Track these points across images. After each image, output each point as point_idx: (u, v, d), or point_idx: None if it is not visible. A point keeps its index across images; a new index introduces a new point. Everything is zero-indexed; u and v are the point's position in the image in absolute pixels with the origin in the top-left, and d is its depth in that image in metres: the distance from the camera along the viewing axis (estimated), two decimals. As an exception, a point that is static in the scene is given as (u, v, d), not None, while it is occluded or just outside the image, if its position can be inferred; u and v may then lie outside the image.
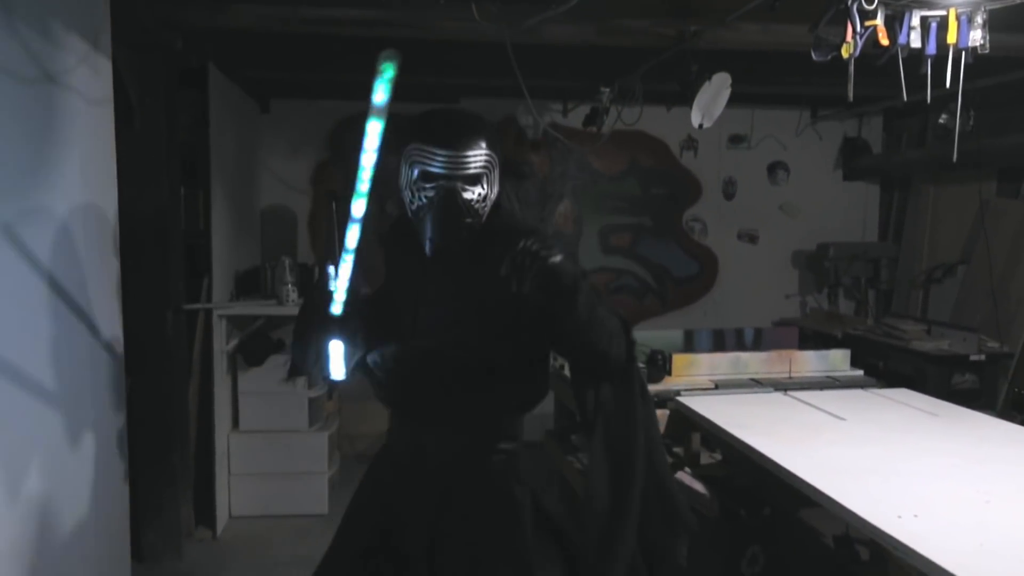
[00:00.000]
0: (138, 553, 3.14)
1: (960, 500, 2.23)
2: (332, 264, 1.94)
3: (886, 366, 4.89)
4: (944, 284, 5.74)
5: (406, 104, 5.77)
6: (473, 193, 1.97)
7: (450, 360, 2.00)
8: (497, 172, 2.03)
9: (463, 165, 1.94)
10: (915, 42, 2.41)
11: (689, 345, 4.26)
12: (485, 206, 2.01)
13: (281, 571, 3.91)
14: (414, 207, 1.98)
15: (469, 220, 1.98)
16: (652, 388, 3.60)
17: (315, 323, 1.98)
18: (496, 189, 2.04)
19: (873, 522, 2.07)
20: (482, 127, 2.02)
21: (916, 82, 2.52)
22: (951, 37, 2.38)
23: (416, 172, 1.95)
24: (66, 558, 2.52)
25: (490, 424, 2.13)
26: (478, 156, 1.96)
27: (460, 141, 1.95)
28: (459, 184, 1.94)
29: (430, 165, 1.93)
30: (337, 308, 1.94)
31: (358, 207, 1.77)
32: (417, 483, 2.06)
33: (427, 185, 1.95)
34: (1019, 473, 2.47)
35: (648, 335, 4.26)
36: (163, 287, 3.73)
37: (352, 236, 1.80)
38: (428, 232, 1.98)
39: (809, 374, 3.92)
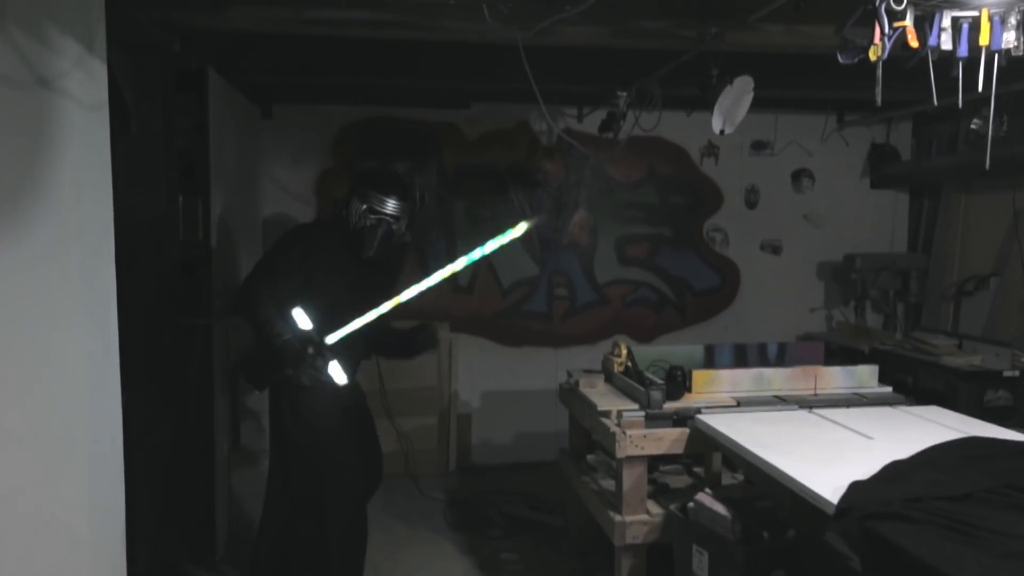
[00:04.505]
0: (134, 573, 3.09)
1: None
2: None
3: (915, 382, 4.85)
4: (976, 297, 5.71)
5: (416, 109, 5.72)
6: (396, 225, 3.56)
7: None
8: (407, 216, 3.61)
9: (397, 209, 3.53)
10: (946, 44, 2.35)
11: (710, 361, 4.22)
12: (400, 235, 3.63)
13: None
14: (358, 226, 3.52)
15: (393, 241, 3.60)
16: (671, 406, 3.62)
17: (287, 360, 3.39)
18: (405, 225, 3.63)
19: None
20: (407, 189, 3.66)
21: (947, 86, 2.45)
22: (983, 39, 2.32)
23: (365, 207, 3.50)
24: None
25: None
26: (402, 205, 3.55)
27: (397, 195, 3.54)
28: (391, 218, 3.53)
29: (378, 206, 3.50)
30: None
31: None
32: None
33: (371, 216, 3.50)
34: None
35: (667, 350, 4.26)
36: (161, 299, 3.68)
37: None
38: (367, 245, 3.52)
39: (835, 391, 3.92)
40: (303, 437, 3.55)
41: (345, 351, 3.47)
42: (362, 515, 3.64)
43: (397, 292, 3.44)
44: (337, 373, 3.37)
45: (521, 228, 3.29)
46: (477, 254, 3.30)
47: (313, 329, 3.34)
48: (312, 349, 3.32)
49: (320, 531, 3.53)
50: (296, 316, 3.34)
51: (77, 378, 2.60)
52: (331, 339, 3.33)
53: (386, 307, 3.37)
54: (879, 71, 2.41)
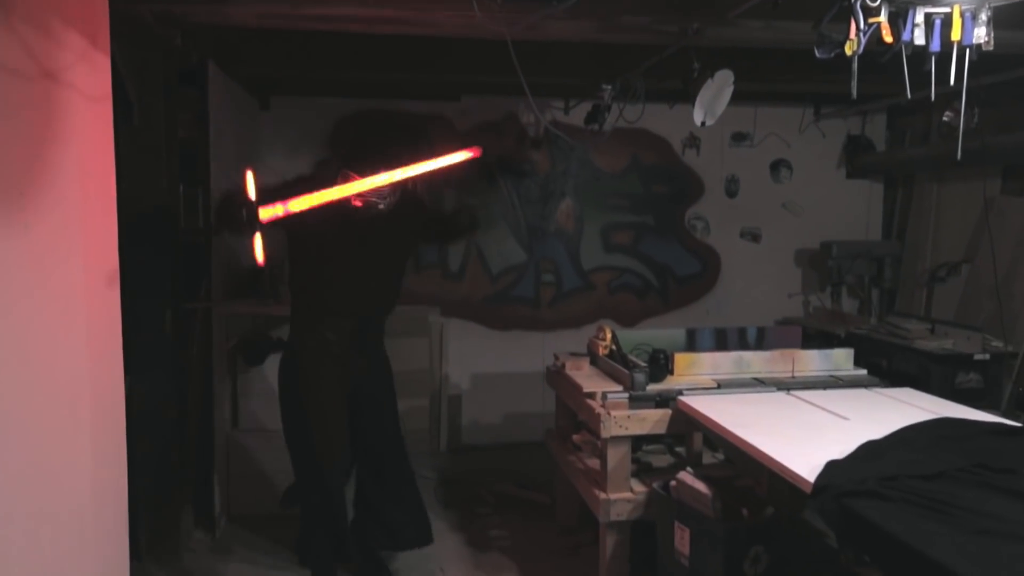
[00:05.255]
0: (136, 553, 3.13)
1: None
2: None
3: (890, 365, 4.88)
4: (948, 283, 5.74)
5: (409, 102, 5.76)
6: (381, 204, 3.41)
7: (375, 274, 3.55)
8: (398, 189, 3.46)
9: (380, 193, 3.37)
10: (919, 39, 2.37)
11: (691, 344, 4.25)
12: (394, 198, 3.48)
13: (280, 572, 3.91)
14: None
15: (381, 206, 3.43)
16: (654, 388, 3.64)
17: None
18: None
19: (877, 522, 2.07)
20: (393, 161, 3.28)
21: (920, 79, 2.49)
22: (955, 34, 2.35)
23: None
24: (64, 558, 2.49)
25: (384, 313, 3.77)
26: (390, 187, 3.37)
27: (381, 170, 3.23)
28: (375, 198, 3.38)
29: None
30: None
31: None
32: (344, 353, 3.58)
33: (354, 197, 3.26)
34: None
35: (650, 334, 4.29)
36: (162, 285, 3.71)
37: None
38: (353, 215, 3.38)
39: (812, 373, 3.93)
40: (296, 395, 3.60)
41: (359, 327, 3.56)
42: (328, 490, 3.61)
43: (410, 248, 3.62)
44: (258, 248, 2.92)
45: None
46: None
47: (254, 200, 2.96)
48: (245, 212, 2.96)
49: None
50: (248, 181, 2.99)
51: (81, 362, 2.60)
52: (264, 214, 2.92)
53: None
54: (855, 65, 2.45)
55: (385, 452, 3.84)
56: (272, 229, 3.09)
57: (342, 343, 3.56)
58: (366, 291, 3.59)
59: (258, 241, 2.96)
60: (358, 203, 3.36)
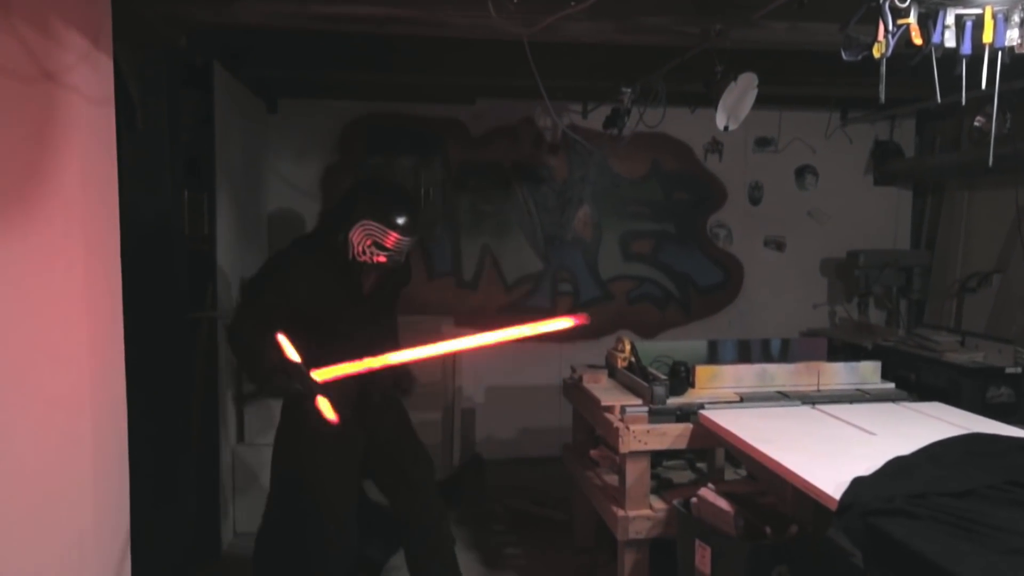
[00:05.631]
0: (139, 570, 3.09)
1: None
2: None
3: (918, 379, 4.83)
4: (979, 294, 5.70)
5: (423, 105, 5.64)
6: (402, 259, 3.16)
7: (374, 335, 3.22)
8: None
9: (408, 248, 3.13)
10: (949, 41, 2.36)
11: (713, 356, 4.24)
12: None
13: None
14: (363, 258, 3.06)
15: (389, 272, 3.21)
16: (674, 401, 3.63)
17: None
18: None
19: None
20: (419, 216, 3.20)
21: (950, 83, 2.46)
22: (987, 36, 2.33)
23: (371, 241, 3.03)
24: (65, 572, 2.47)
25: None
26: (413, 240, 3.13)
27: (413, 234, 3.11)
28: (399, 255, 3.12)
29: (391, 244, 3.04)
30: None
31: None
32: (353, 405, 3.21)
33: (380, 251, 3.05)
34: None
35: (670, 345, 4.30)
36: (166, 294, 3.69)
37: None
38: (367, 282, 3.20)
39: (838, 387, 3.92)
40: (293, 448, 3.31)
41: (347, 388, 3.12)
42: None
43: (397, 305, 3.38)
44: (326, 409, 2.94)
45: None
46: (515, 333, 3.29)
47: (301, 362, 2.97)
48: (300, 385, 2.97)
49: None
50: (283, 344, 2.97)
51: (82, 372, 2.59)
52: (319, 376, 2.96)
53: (398, 356, 3.05)
54: (883, 68, 2.43)
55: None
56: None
57: (345, 411, 3.16)
58: (370, 347, 3.16)
59: (324, 403, 2.94)
60: (381, 259, 3.08)
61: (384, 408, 3.39)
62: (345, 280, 3.14)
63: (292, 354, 2.94)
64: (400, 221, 3.04)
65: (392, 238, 3.03)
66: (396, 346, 3.30)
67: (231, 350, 3.38)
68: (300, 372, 2.94)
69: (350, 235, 3.03)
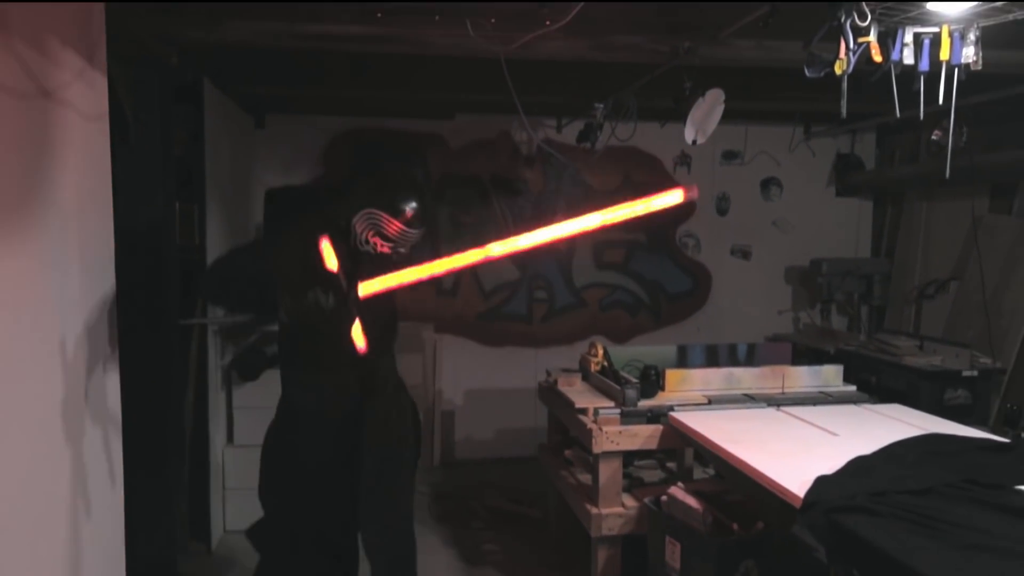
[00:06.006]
0: (133, 567, 3.11)
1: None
2: None
3: (879, 382, 4.89)
4: (937, 300, 5.75)
5: (405, 120, 5.67)
6: (406, 249, 2.79)
7: (374, 320, 2.68)
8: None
9: (414, 238, 2.78)
10: (908, 59, 2.42)
11: (682, 360, 4.27)
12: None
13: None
14: (362, 247, 2.74)
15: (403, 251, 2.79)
16: (645, 404, 3.65)
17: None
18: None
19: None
20: (428, 209, 2.83)
21: (909, 99, 2.52)
22: (944, 54, 2.40)
23: (374, 231, 2.72)
24: (60, 571, 2.49)
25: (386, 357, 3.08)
26: (420, 233, 2.78)
27: (421, 225, 2.77)
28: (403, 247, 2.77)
29: (399, 235, 2.73)
30: None
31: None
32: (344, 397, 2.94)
33: (385, 242, 2.73)
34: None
35: (641, 350, 4.29)
36: (158, 302, 3.70)
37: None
38: (367, 271, 2.59)
39: (802, 389, 3.95)
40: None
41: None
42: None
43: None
44: (358, 336, 2.53)
45: None
46: None
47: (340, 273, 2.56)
48: (338, 299, 2.60)
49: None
50: (326, 251, 2.49)
51: (78, 378, 2.60)
52: (364, 290, 2.52)
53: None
54: (844, 84, 2.48)
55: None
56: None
57: (341, 402, 2.98)
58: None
59: (358, 328, 2.55)
60: (385, 249, 2.77)
61: (384, 426, 3.03)
62: (345, 264, 2.66)
63: (332, 262, 2.51)
64: (405, 207, 2.72)
65: (395, 226, 2.72)
66: (394, 333, 3.13)
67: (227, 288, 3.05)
68: (340, 284, 2.59)
69: (353, 222, 2.74)
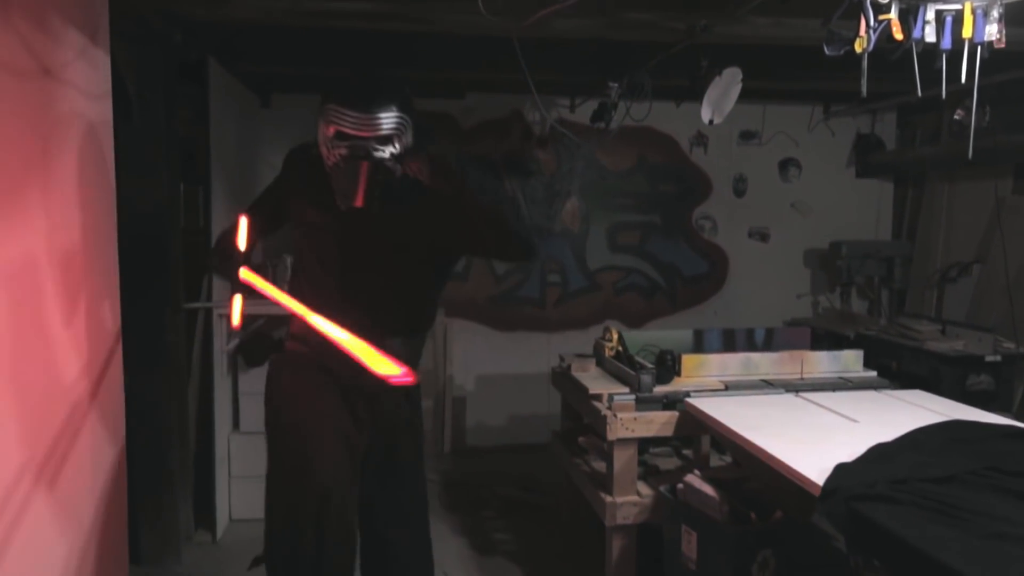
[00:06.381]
0: (136, 556, 3.11)
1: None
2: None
3: (900, 367, 4.86)
4: (959, 283, 5.72)
5: (414, 99, 5.61)
6: (384, 152, 2.33)
7: (375, 290, 2.49)
8: (410, 132, 2.37)
9: (374, 126, 2.29)
10: (930, 36, 2.38)
11: (699, 345, 4.24)
12: (397, 163, 2.35)
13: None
14: (330, 163, 2.36)
15: (380, 178, 2.34)
16: (661, 389, 3.62)
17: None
18: (407, 146, 2.37)
19: (888, 527, 2.05)
20: (393, 91, 2.35)
21: (931, 77, 2.48)
22: (967, 31, 2.35)
23: (332, 130, 2.32)
24: (63, 560, 2.49)
25: (407, 343, 2.66)
26: (389, 118, 2.30)
27: (372, 104, 2.29)
28: (371, 143, 2.30)
29: (344, 125, 2.29)
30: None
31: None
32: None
33: (341, 143, 2.31)
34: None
35: (657, 335, 4.27)
36: (162, 285, 3.70)
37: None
38: (343, 192, 2.35)
39: (821, 375, 3.91)
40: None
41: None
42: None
43: (423, 244, 2.49)
44: (235, 311, 2.44)
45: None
46: None
47: (242, 252, 2.42)
48: (223, 271, 2.48)
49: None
50: (240, 226, 2.40)
51: (80, 362, 2.60)
52: (244, 275, 2.39)
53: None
54: (864, 63, 2.45)
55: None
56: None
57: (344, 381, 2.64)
58: (370, 314, 2.53)
59: (236, 303, 2.42)
60: (342, 150, 2.37)
61: (395, 429, 2.84)
62: (328, 200, 2.43)
63: (241, 239, 2.39)
64: (355, 95, 2.31)
65: (349, 117, 2.28)
66: (413, 315, 2.69)
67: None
68: (230, 260, 2.40)
69: (318, 138, 2.40)
